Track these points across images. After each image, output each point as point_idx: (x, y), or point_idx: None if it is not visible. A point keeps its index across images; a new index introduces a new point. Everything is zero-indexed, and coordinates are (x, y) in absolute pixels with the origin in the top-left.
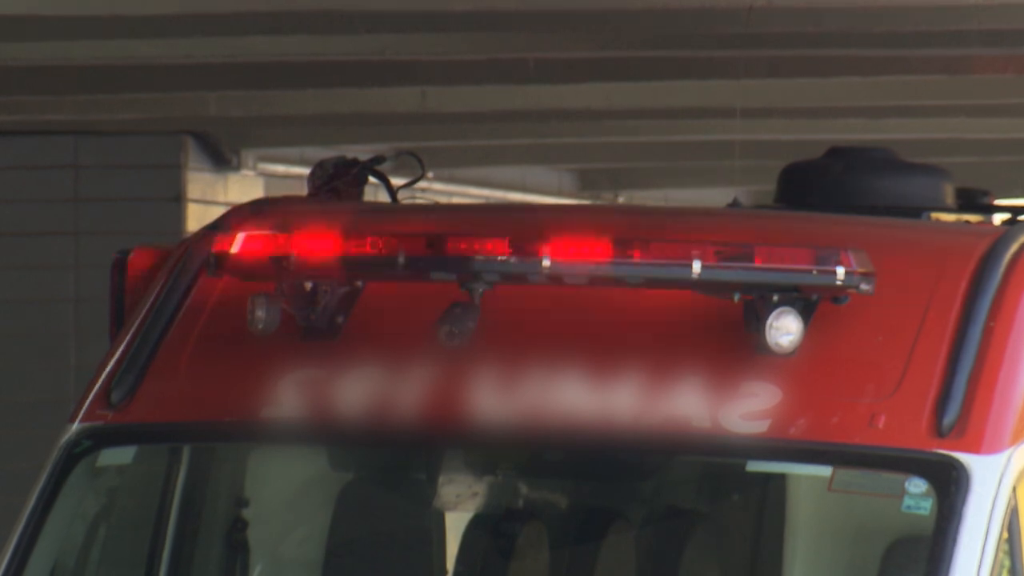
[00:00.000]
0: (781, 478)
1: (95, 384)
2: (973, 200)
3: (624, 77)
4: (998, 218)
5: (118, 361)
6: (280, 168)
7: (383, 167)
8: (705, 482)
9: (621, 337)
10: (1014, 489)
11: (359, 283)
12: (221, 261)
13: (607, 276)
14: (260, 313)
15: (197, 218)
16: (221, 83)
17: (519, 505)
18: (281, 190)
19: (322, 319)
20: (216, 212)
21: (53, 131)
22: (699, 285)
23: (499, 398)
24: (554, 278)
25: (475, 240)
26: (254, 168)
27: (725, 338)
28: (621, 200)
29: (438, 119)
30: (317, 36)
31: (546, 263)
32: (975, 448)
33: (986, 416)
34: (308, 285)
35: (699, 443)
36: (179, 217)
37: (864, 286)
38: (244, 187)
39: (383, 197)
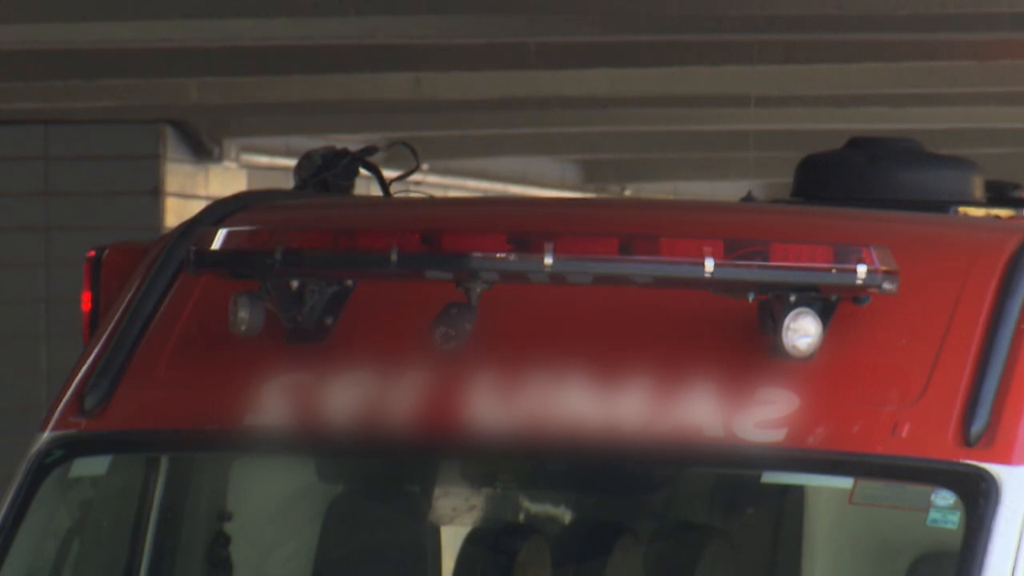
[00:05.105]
0: (799, 490)
1: (67, 390)
2: (1003, 194)
3: (631, 63)
4: None
5: (92, 365)
6: (264, 159)
7: (375, 158)
8: (718, 494)
9: (628, 340)
10: None
11: (349, 282)
12: (202, 258)
13: (613, 275)
14: (243, 314)
15: (176, 212)
16: (202, 69)
17: (519, 519)
18: (265, 183)
19: (309, 320)
20: (196, 206)
21: (22, 120)
22: (711, 284)
23: (498, 405)
24: (557, 277)
25: (473, 236)
26: (237, 159)
27: (739, 341)
28: (628, 193)
29: (433, 107)
30: (304, 19)
31: (548, 261)
32: (1005, 458)
33: (1017, 424)
34: (294, 284)
35: (711, 453)
36: (157, 212)
37: (887, 285)
38: (226, 180)
39: (375, 190)
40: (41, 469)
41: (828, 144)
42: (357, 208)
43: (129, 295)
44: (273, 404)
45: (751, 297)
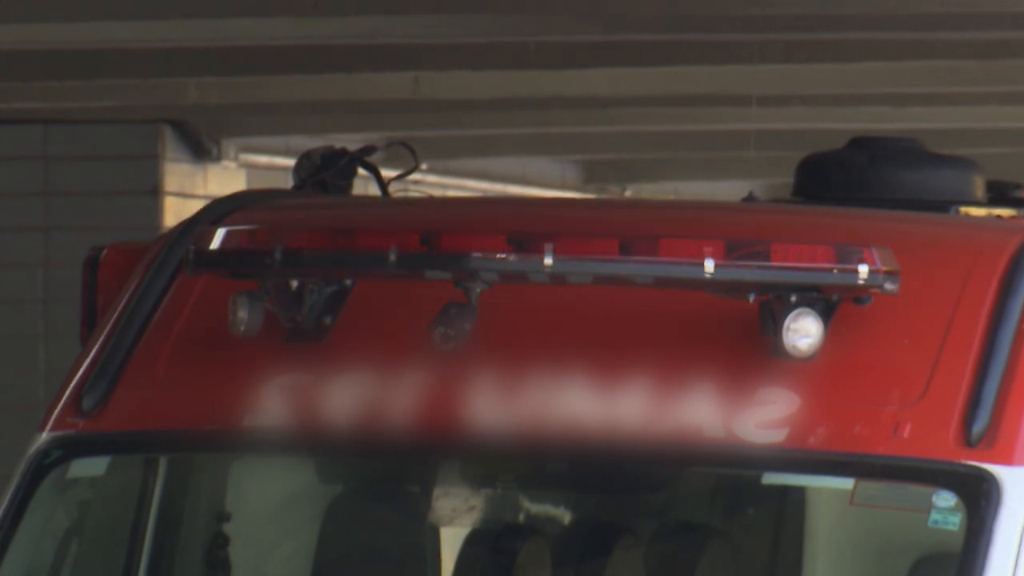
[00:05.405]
0: (800, 491)
1: (65, 390)
2: (1005, 193)
3: (631, 62)
4: None
5: (90, 365)
6: (263, 159)
7: (374, 158)
8: (718, 495)
9: (628, 340)
10: None
11: (348, 282)
12: (200, 258)
13: (613, 275)
14: (242, 314)
15: (175, 212)
16: (201, 69)
17: (519, 519)
18: (265, 182)
19: (309, 320)
20: (195, 206)
21: (21, 120)
22: (712, 285)
23: (498, 405)
24: (556, 277)
25: (472, 236)
26: (236, 159)
27: (739, 341)
28: (628, 194)
29: (432, 107)
30: (303, 18)
31: (548, 261)
32: (1006, 459)
33: (1018, 424)
34: (294, 284)
35: (712, 454)
36: (156, 211)
37: (888, 286)
38: (225, 179)
39: (373, 190)
40: (39, 470)
41: (829, 144)
42: (356, 208)
43: (127, 295)
44: (272, 404)
45: (752, 297)
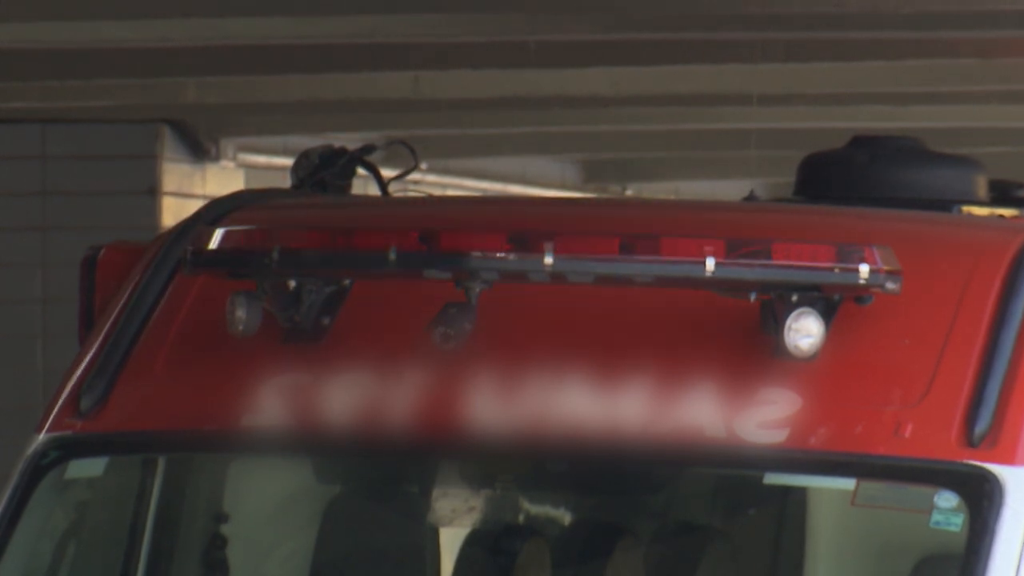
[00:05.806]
0: (801, 491)
1: (63, 391)
2: (1007, 193)
3: (632, 61)
4: None
5: (88, 366)
6: (262, 159)
7: (373, 157)
8: (719, 496)
9: (629, 340)
10: None
11: (346, 282)
12: (199, 258)
13: (614, 274)
14: (240, 314)
15: (173, 212)
16: (199, 68)
17: (519, 520)
18: (263, 182)
19: (307, 320)
20: (193, 206)
21: (19, 119)
22: (713, 284)
23: (498, 405)
24: (557, 277)
25: (472, 235)
26: (234, 159)
27: (740, 341)
28: (629, 193)
29: (432, 106)
30: (302, 18)
31: (548, 260)
32: (1009, 459)
33: (1020, 424)
34: (292, 284)
35: (713, 454)
36: (154, 211)
37: (890, 285)
38: (223, 179)
39: (373, 190)
40: (37, 470)
41: (830, 143)
42: (355, 207)
43: (126, 295)
44: (270, 404)
45: (753, 297)
